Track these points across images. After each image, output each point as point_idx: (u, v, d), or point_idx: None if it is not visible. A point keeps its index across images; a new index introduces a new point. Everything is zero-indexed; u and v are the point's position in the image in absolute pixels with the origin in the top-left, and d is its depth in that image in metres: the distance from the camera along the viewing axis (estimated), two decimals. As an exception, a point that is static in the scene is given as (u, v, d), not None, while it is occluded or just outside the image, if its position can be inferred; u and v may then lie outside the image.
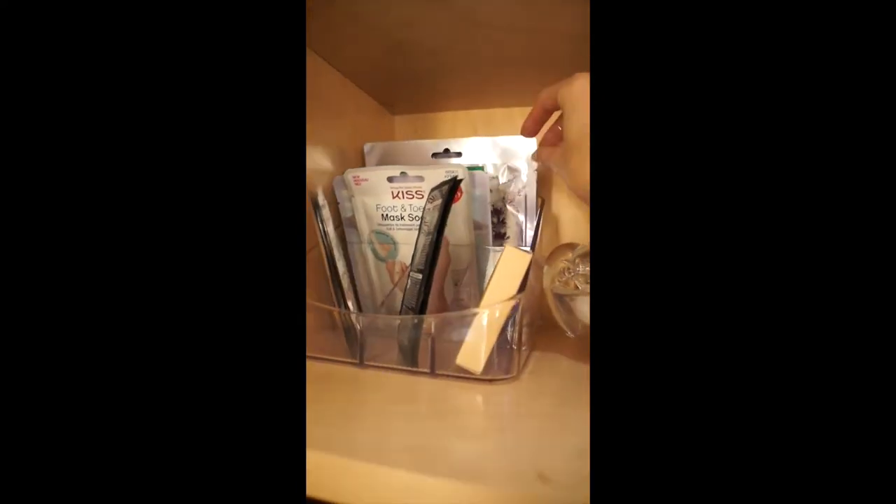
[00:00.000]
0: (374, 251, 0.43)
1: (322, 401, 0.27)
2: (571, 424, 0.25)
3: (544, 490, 0.18)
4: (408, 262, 0.40)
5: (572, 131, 0.28)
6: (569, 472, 0.19)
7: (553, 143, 0.33)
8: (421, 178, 0.39)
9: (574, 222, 0.56)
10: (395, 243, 0.42)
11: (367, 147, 0.48)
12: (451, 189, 0.34)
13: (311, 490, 0.21)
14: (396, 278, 0.43)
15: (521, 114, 0.54)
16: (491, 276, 0.32)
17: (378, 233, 0.42)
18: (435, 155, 0.46)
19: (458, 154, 0.45)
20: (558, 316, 0.39)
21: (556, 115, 0.33)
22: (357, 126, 0.51)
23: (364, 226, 0.43)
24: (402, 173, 0.40)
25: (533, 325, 0.42)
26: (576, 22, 0.36)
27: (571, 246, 0.44)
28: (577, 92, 0.28)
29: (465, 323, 0.31)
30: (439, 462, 0.20)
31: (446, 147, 0.45)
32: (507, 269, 0.31)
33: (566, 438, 0.23)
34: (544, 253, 0.47)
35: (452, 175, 0.36)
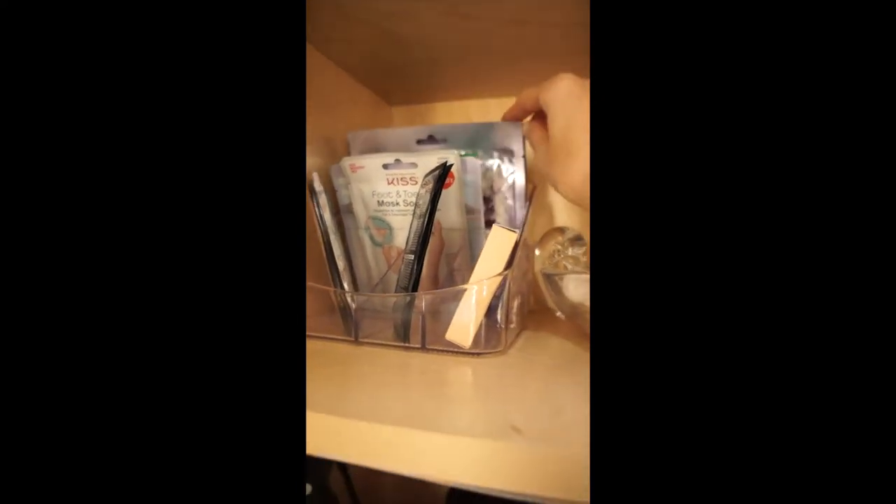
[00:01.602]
0: (371, 237, 0.45)
1: (319, 373, 0.29)
2: (553, 391, 0.26)
3: (517, 439, 0.20)
4: (403, 246, 0.42)
5: (557, 134, 0.28)
6: (542, 427, 0.21)
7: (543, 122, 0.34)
8: (415, 165, 0.41)
9: (567, 209, 0.58)
10: (390, 228, 0.44)
11: (350, 135, 0.48)
12: (441, 174, 0.35)
13: (312, 448, 0.23)
14: (392, 263, 0.45)
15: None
16: (479, 257, 0.33)
17: (374, 218, 0.44)
18: (419, 142, 0.47)
19: (444, 140, 0.46)
20: (549, 297, 0.41)
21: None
22: (354, 117, 0.52)
23: (361, 212, 0.45)
24: (397, 160, 0.41)
25: (524, 307, 0.44)
26: (565, 13, 0.38)
27: (562, 230, 0.45)
28: (563, 94, 0.28)
29: (455, 299, 0.33)
30: (426, 419, 0.22)
31: (430, 134, 0.45)
32: (494, 248, 0.33)
33: (545, 401, 0.24)
34: (537, 238, 0.49)
35: (443, 162, 0.38)
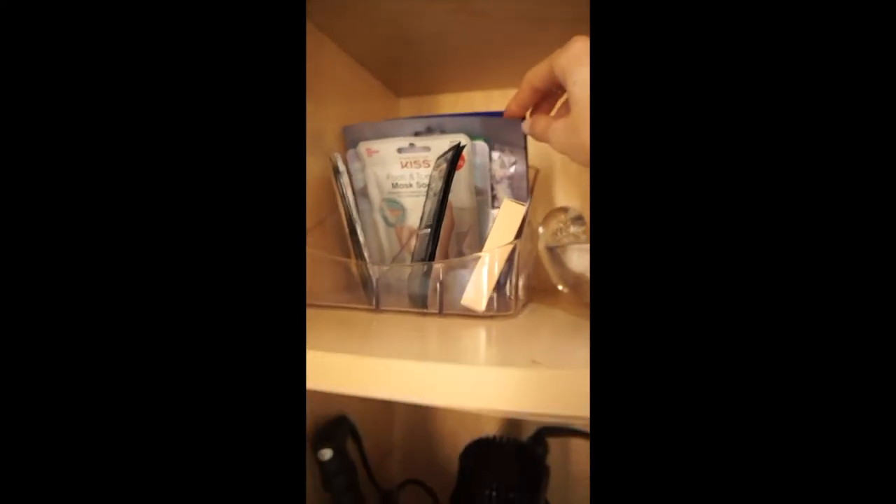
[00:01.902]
0: (385, 217, 0.48)
1: (341, 333, 0.32)
2: (561, 342, 0.29)
3: (537, 368, 0.23)
4: (415, 226, 0.44)
5: (579, 92, 0.27)
6: (559, 361, 0.24)
7: (548, 112, 0.35)
8: (428, 149, 0.44)
9: (566, 194, 0.61)
10: (404, 209, 0.47)
11: (345, 129, 0.48)
12: (454, 155, 0.38)
13: (337, 385, 0.25)
14: (404, 242, 0.48)
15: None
16: (491, 228, 0.36)
17: (388, 200, 0.47)
18: (417, 133, 0.46)
19: (442, 132, 0.46)
20: (551, 270, 0.44)
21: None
22: (365, 108, 0.55)
23: (375, 194, 0.48)
24: (411, 144, 0.44)
25: (530, 283, 0.47)
26: (563, 9, 0.41)
27: (564, 209, 0.49)
28: (578, 53, 0.27)
29: (469, 267, 0.36)
30: (455, 357, 0.25)
31: (428, 126, 0.45)
32: (505, 220, 0.36)
33: (555, 347, 0.28)
34: (538, 223, 0.52)
35: (456, 143, 0.41)
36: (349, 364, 0.26)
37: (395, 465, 0.65)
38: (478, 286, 0.35)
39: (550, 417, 0.22)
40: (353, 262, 0.41)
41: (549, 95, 0.35)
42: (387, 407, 0.65)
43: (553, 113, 0.36)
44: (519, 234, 0.36)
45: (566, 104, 0.34)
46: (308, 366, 0.26)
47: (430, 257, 0.37)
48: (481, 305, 0.35)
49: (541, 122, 0.34)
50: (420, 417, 0.66)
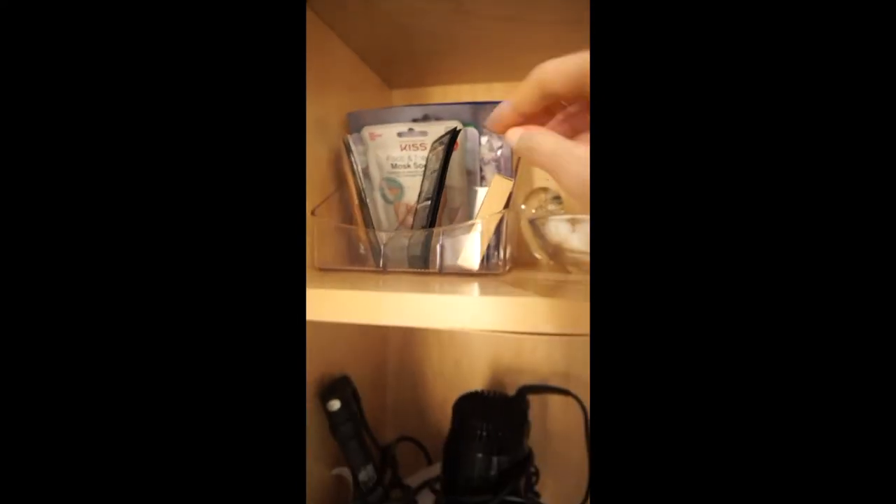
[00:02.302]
0: (384, 195, 0.53)
1: (354, 284, 0.37)
2: (547, 290, 0.36)
3: (522, 296, 0.29)
4: (412, 202, 0.50)
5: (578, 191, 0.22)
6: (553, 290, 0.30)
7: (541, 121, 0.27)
8: (425, 133, 0.50)
9: (545, 176, 0.68)
10: (402, 187, 0.52)
11: (350, 115, 0.53)
12: (452, 137, 0.44)
13: (355, 317, 0.31)
14: (401, 218, 0.53)
15: (502, 88, 0.65)
16: (483, 200, 0.42)
17: (388, 179, 0.52)
18: (415, 120, 0.52)
19: (437, 119, 0.51)
20: (532, 242, 0.50)
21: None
22: (363, 98, 0.60)
23: (376, 174, 0.53)
24: (410, 129, 0.50)
25: (514, 254, 0.53)
26: (552, 12, 0.47)
27: (545, 189, 0.55)
28: (582, 160, 0.21)
29: (465, 232, 0.42)
30: (458, 292, 0.31)
31: (425, 113, 0.51)
32: (494, 192, 0.42)
33: (544, 292, 0.34)
34: (522, 199, 0.58)
35: (452, 128, 0.47)
36: (365, 298, 0.31)
37: (389, 427, 0.70)
38: (472, 248, 0.41)
39: (529, 334, 0.28)
40: (362, 229, 0.46)
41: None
42: (380, 373, 0.70)
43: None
44: (507, 205, 0.42)
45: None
46: (326, 302, 0.31)
47: (431, 224, 0.43)
48: (475, 264, 0.41)
49: (532, 139, 0.25)
50: (410, 384, 0.72)
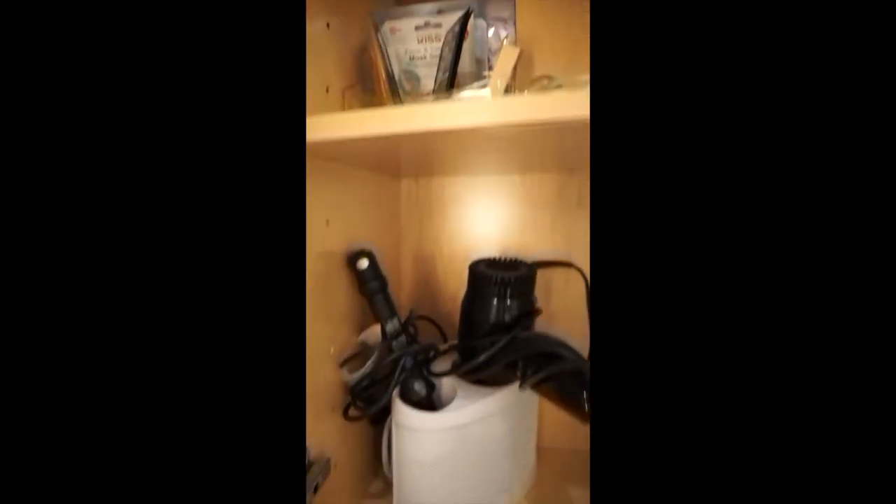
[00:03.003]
0: (403, 87, 0.60)
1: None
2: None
3: (530, 95, 0.35)
4: (428, 90, 0.57)
5: None
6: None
7: None
8: (440, 25, 0.56)
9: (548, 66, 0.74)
10: (419, 79, 0.59)
11: (373, 13, 0.59)
12: (465, 15, 0.51)
13: (378, 129, 0.38)
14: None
15: None
16: (495, 64, 0.49)
17: (406, 71, 0.59)
18: (430, 14, 0.59)
19: (451, 11, 0.59)
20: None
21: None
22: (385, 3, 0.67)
23: (396, 67, 0.60)
24: (426, 23, 0.57)
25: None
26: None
27: (550, 77, 0.62)
28: None
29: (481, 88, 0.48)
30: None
31: (440, 8, 0.57)
32: (503, 59, 0.48)
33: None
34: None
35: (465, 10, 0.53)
36: (383, 113, 0.38)
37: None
38: (485, 104, 0.48)
39: (538, 125, 0.35)
40: (388, 98, 0.53)
41: None
42: (395, 263, 0.77)
43: None
44: (514, 71, 0.48)
45: None
46: (355, 120, 0.38)
47: (450, 86, 0.49)
48: (488, 119, 0.48)
49: None
50: (424, 273, 0.79)
